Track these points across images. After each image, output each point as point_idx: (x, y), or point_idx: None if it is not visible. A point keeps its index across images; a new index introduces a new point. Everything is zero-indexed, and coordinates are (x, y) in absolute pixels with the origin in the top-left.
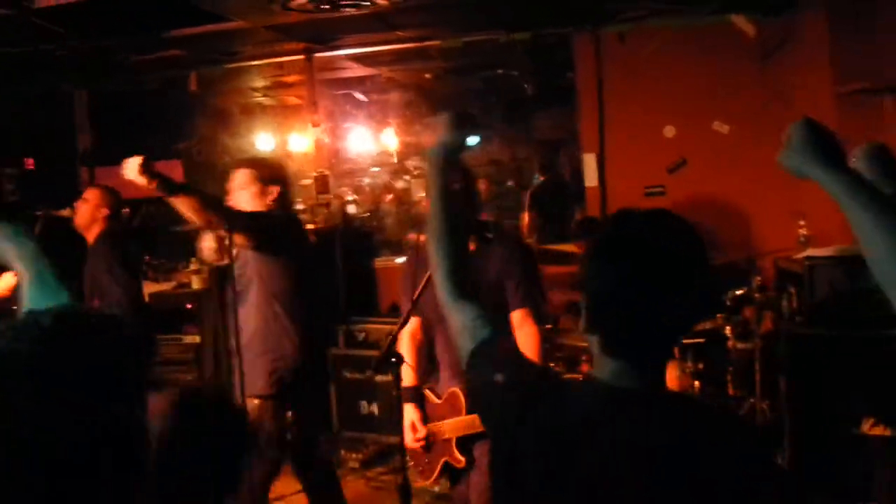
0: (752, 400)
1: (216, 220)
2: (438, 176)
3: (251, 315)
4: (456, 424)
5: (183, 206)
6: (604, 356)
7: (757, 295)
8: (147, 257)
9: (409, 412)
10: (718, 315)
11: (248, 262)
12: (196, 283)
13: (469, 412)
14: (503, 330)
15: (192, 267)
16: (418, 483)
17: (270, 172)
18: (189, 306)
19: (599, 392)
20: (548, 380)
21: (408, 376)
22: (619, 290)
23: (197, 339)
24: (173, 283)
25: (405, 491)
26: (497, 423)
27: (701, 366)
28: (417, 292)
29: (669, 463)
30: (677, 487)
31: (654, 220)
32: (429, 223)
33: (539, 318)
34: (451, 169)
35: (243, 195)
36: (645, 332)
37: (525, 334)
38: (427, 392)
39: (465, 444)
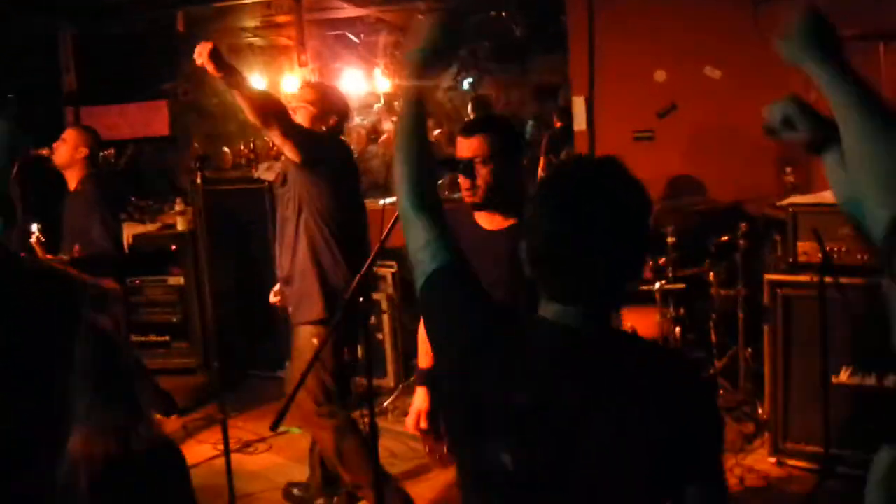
0: (734, 347)
1: (272, 123)
2: (413, 77)
3: (299, 242)
4: None
5: (241, 100)
6: (549, 301)
7: (742, 242)
8: (132, 198)
9: (420, 398)
10: (706, 261)
11: (294, 184)
12: (181, 225)
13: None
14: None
15: (178, 208)
16: (394, 426)
17: (335, 100)
18: (174, 247)
19: (554, 330)
20: (504, 313)
21: (423, 358)
22: (565, 236)
23: (181, 280)
24: (158, 225)
25: (373, 433)
26: (457, 348)
27: (682, 311)
28: (384, 234)
29: (626, 404)
30: (635, 425)
31: (602, 167)
32: (398, 125)
33: None
34: (427, 72)
35: (302, 112)
36: (590, 280)
37: None
38: None
39: None
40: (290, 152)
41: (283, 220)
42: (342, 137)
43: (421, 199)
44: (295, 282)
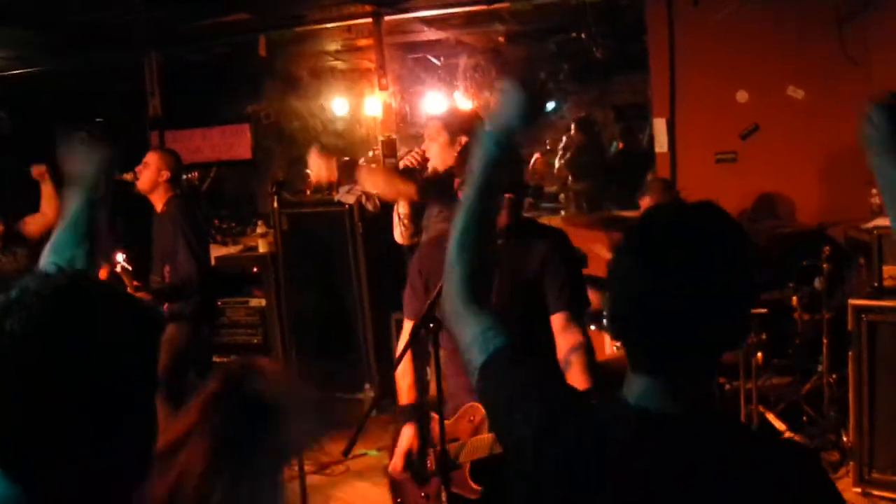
0: (818, 373)
1: (403, 191)
2: (488, 165)
3: None
4: (472, 446)
5: (370, 186)
6: (634, 372)
7: (826, 265)
8: (216, 220)
9: (406, 436)
10: (790, 284)
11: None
12: (262, 247)
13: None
14: (534, 335)
15: (259, 230)
16: None
17: (459, 123)
18: (255, 269)
19: (627, 416)
20: (572, 398)
21: (404, 392)
22: (655, 294)
23: (263, 302)
24: (240, 247)
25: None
26: (517, 439)
27: (764, 336)
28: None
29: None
30: None
31: (698, 214)
32: (459, 216)
33: (583, 323)
34: (505, 158)
35: (433, 146)
36: (683, 346)
37: (568, 340)
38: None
39: (482, 470)
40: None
41: None
42: None
43: (473, 297)
44: None
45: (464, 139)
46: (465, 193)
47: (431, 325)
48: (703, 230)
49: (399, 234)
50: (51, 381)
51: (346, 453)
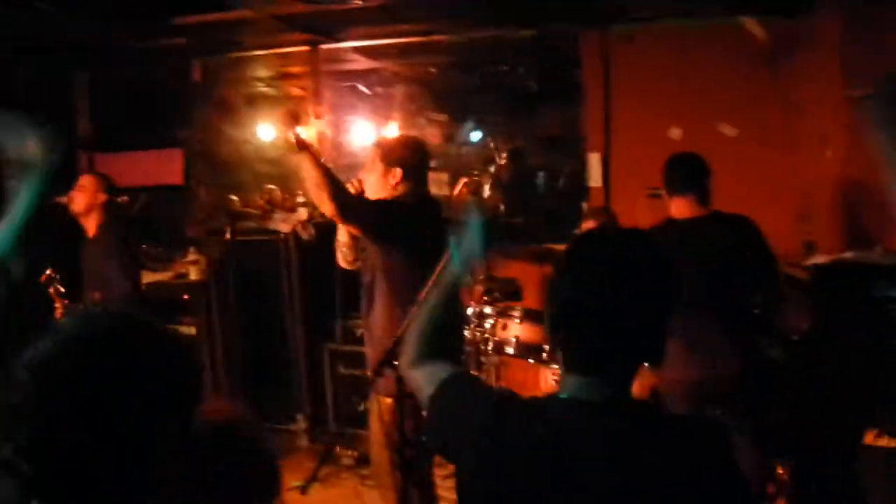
0: None
1: (327, 201)
2: (451, 281)
3: (378, 313)
4: None
5: (303, 169)
6: (568, 373)
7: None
8: (145, 246)
9: None
10: None
11: (368, 255)
12: (193, 274)
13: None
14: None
15: (191, 257)
16: None
17: (393, 153)
18: (186, 297)
19: (562, 406)
20: (509, 401)
21: None
22: (585, 307)
23: (193, 330)
24: (170, 273)
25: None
26: (460, 453)
27: None
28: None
29: (638, 475)
30: (649, 499)
31: (626, 239)
32: (421, 314)
33: None
34: (466, 275)
35: (370, 177)
36: (610, 351)
37: None
38: None
39: None
40: (354, 231)
41: (365, 290)
42: (421, 186)
43: (425, 357)
44: (373, 351)
45: (398, 171)
46: (429, 300)
47: (396, 362)
48: (628, 252)
49: (341, 259)
50: (103, 426)
51: (303, 490)
